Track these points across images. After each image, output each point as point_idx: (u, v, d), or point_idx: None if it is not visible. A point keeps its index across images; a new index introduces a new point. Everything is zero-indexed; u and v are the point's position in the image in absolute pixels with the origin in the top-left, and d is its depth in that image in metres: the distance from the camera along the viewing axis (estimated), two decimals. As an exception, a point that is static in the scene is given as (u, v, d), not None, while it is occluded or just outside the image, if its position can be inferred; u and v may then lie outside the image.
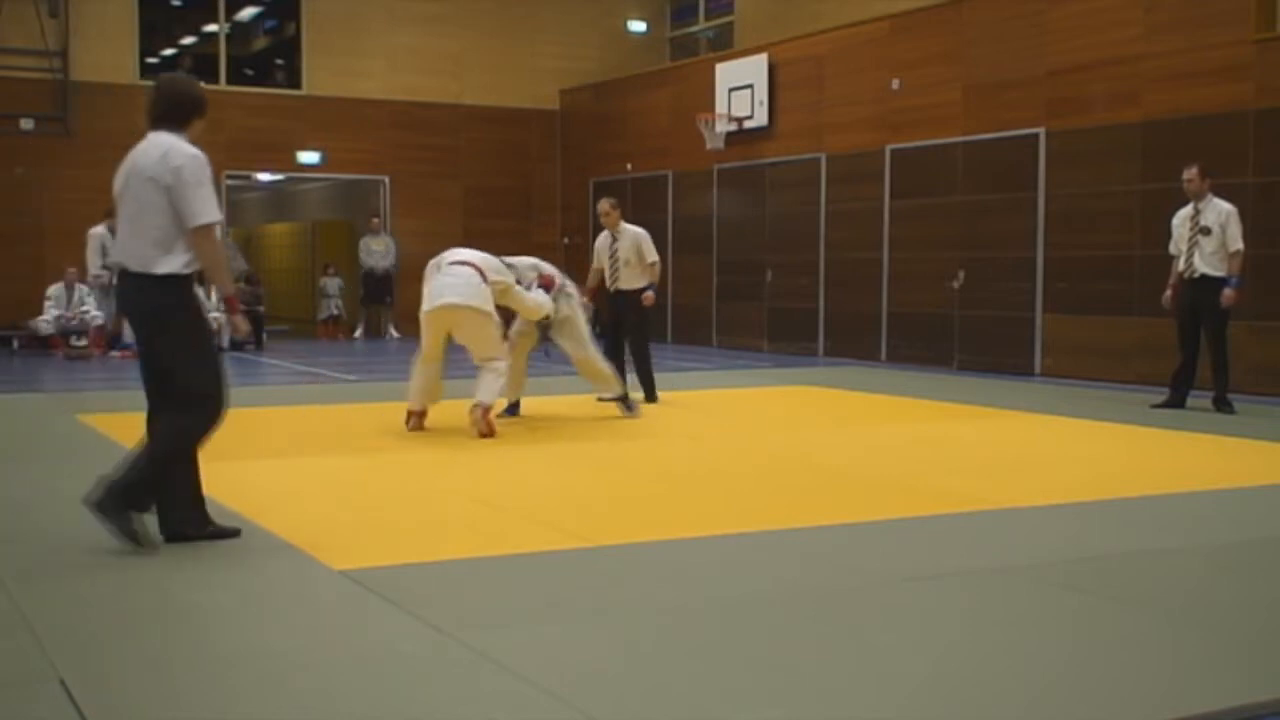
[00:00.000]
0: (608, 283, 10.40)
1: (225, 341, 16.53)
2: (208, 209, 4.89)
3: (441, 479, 6.73)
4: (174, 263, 4.89)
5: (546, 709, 3.24)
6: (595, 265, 10.60)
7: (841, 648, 3.81)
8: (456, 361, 8.80)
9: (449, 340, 8.57)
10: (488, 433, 8.16)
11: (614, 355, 10.17)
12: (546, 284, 9.16)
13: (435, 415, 8.55)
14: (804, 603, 4.30)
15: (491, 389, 8.33)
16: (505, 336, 8.90)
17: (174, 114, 5.04)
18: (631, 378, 10.23)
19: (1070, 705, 3.33)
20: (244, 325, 5.67)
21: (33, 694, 3.35)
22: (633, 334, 10.42)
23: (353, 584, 4.43)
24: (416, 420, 8.51)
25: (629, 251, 10.36)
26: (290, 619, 4.12)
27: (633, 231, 10.46)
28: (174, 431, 4.97)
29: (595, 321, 10.45)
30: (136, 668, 3.56)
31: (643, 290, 10.35)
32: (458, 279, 8.36)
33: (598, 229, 10.96)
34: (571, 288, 9.39)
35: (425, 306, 8.47)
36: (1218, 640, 3.94)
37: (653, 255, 10.43)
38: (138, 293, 4.96)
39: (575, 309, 9.31)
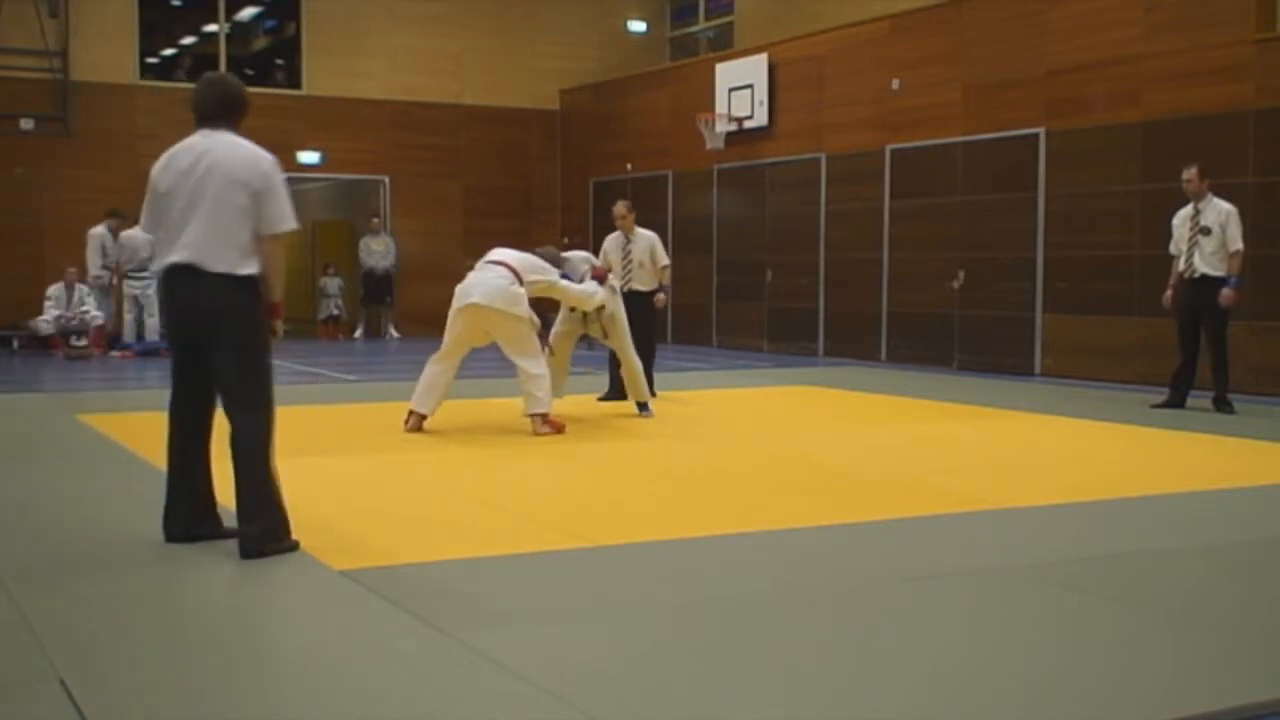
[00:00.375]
0: (619, 283, 10.35)
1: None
2: (289, 216, 4.93)
3: (441, 479, 6.73)
4: (253, 265, 4.88)
5: (546, 709, 3.24)
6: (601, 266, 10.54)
7: (841, 648, 3.81)
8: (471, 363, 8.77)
9: (472, 345, 8.55)
10: (558, 431, 8.32)
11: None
12: (599, 276, 9.28)
13: (438, 414, 8.53)
14: (804, 603, 4.30)
15: (540, 399, 8.32)
16: (546, 341, 8.91)
17: (229, 112, 4.99)
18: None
19: (1070, 705, 3.33)
20: (281, 330, 5.42)
21: (33, 694, 3.35)
22: (642, 334, 10.38)
23: (353, 584, 4.42)
24: (415, 421, 8.43)
25: (643, 254, 10.53)
26: (290, 619, 4.12)
27: (647, 235, 10.65)
28: (256, 434, 4.91)
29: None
30: (136, 668, 3.56)
31: (654, 292, 10.54)
32: (488, 278, 8.36)
33: (598, 229, 11.18)
34: (615, 283, 9.55)
35: (455, 303, 8.47)
36: (1218, 640, 3.94)
37: (665, 259, 10.68)
38: (213, 292, 4.83)
39: (620, 307, 9.43)
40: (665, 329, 17.82)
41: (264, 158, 4.91)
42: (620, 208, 10.76)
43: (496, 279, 8.31)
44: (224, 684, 3.48)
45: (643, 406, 9.53)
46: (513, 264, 8.44)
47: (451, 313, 8.45)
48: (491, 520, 5.68)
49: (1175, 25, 11.91)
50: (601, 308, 9.14)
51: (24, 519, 5.60)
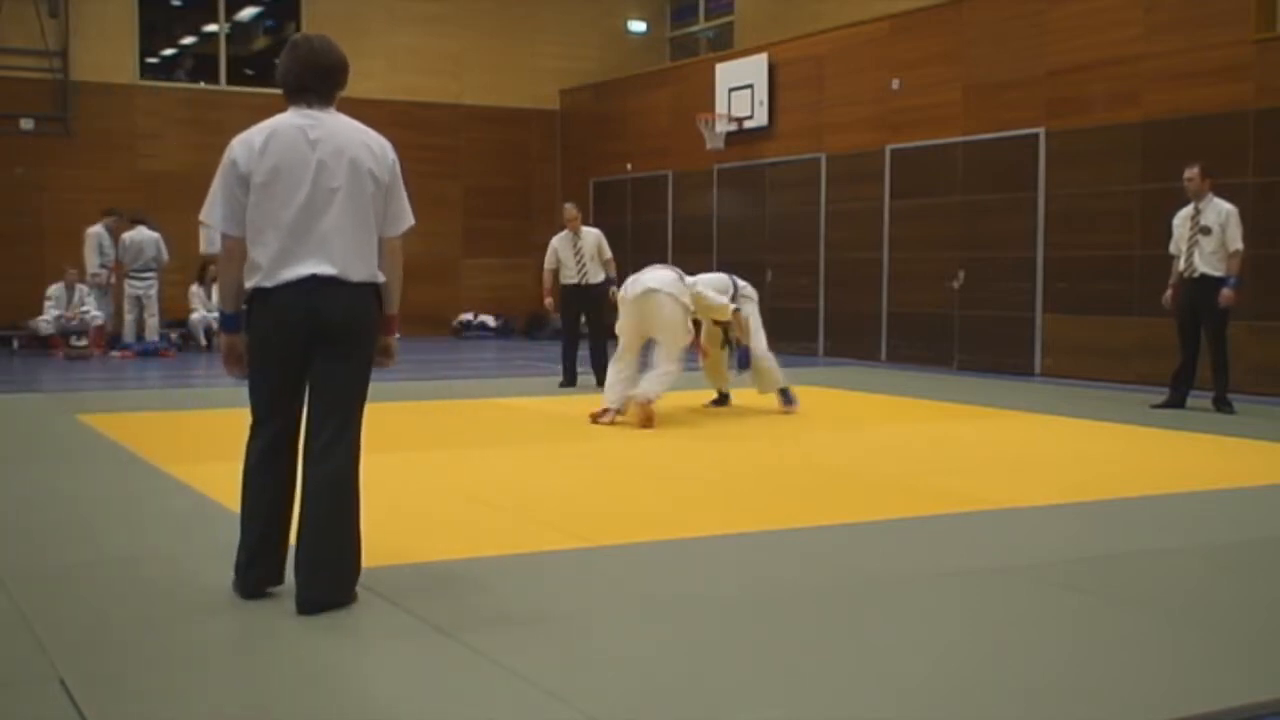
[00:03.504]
0: (576, 278, 11.52)
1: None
2: (411, 213, 4.33)
3: (441, 479, 6.73)
4: (379, 271, 4.21)
5: (546, 709, 3.24)
6: (549, 266, 11.63)
7: (841, 648, 3.81)
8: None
9: (645, 336, 9.00)
10: (647, 424, 8.62)
11: (575, 345, 11.61)
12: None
13: (428, 416, 8.54)
14: (804, 603, 4.29)
15: (655, 385, 8.81)
16: (699, 344, 9.48)
17: (335, 84, 4.21)
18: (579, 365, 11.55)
19: (1070, 705, 3.33)
20: (396, 350, 4.45)
21: (33, 694, 3.35)
22: (598, 323, 11.62)
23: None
24: (612, 415, 8.81)
25: (592, 249, 11.60)
26: (289, 619, 4.11)
27: (593, 232, 11.79)
28: (356, 465, 4.15)
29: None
30: (136, 668, 3.56)
31: (607, 284, 11.48)
32: (658, 272, 9.01)
33: (599, 229, 12.05)
34: (750, 290, 10.05)
35: (625, 297, 9.03)
36: (1218, 640, 3.94)
37: (609, 252, 11.75)
38: (355, 306, 4.09)
39: (754, 310, 9.88)
40: (665, 329, 17.83)
41: (388, 144, 4.27)
42: (571, 209, 11.77)
43: (667, 272, 9.01)
44: (223, 684, 3.48)
45: (785, 394, 9.89)
46: (677, 270, 9.18)
47: (622, 308, 9.04)
48: (492, 520, 5.68)
49: (1175, 25, 11.91)
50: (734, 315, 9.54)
51: (24, 519, 5.60)
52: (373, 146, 4.18)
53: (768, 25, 17.88)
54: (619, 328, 9.05)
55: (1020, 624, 4.08)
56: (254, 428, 4.17)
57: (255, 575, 4.18)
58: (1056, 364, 12.98)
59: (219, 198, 4.08)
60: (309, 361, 4.08)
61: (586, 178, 20.10)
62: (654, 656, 3.71)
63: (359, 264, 4.10)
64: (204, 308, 16.54)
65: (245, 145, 4.07)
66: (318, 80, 4.14)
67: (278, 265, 4.01)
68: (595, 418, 8.87)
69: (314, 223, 4.03)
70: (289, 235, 4.02)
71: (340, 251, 4.05)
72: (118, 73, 18.03)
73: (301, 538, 4.09)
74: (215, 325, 16.36)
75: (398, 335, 4.42)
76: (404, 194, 4.28)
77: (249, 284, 4.06)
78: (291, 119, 4.10)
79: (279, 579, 4.19)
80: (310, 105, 4.13)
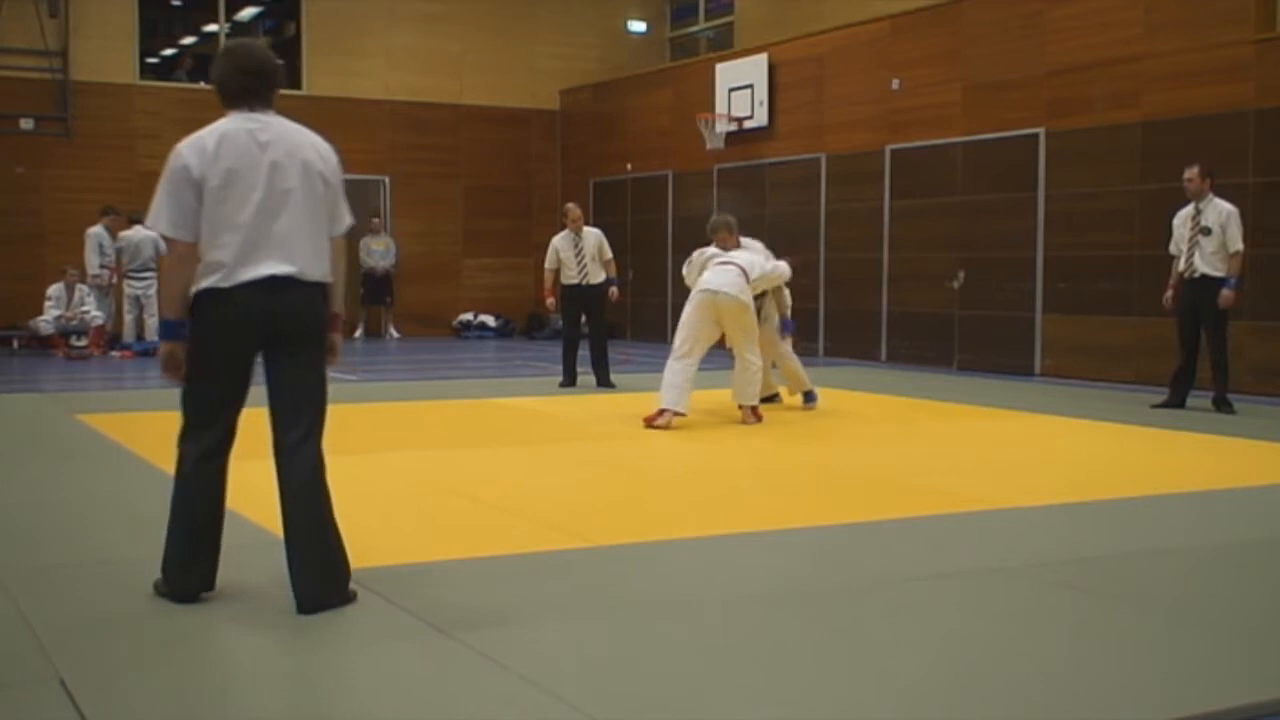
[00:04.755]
0: (577, 279, 11.51)
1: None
2: (349, 212, 4.40)
3: (441, 479, 6.73)
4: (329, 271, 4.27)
5: (546, 709, 3.24)
6: (550, 266, 11.61)
7: (841, 647, 3.81)
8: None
9: (709, 339, 9.05)
10: (758, 420, 8.97)
11: (575, 345, 11.60)
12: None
13: (428, 416, 8.54)
14: (804, 602, 4.30)
15: (750, 393, 9.03)
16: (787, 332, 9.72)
17: (272, 88, 4.19)
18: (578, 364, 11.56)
19: (1070, 705, 3.33)
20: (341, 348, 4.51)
21: (33, 694, 3.35)
22: (599, 323, 11.73)
23: (353, 584, 4.42)
24: (668, 419, 8.64)
25: (593, 249, 11.57)
26: (290, 619, 4.11)
27: (594, 232, 11.75)
28: (323, 461, 4.27)
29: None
30: (136, 668, 3.56)
31: (608, 285, 11.63)
32: (723, 274, 8.99)
33: (599, 229, 12.07)
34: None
35: (696, 293, 9.04)
36: (1218, 640, 3.94)
37: (610, 253, 11.75)
38: (311, 305, 4.17)
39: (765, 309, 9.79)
40: (666, 329, 17.82)
41: (331, 147, 4.32)
42: (574, 209, 11.76)
43: (733, 276, 8.97)
44: (223, 684, 3.48)
45: (809, 396, 10.02)
46: (742, 265, 9.08)
47: (688, 307, 9.03)
48: (492, 520, 5.68)
49: (1175, 25, 11.90)
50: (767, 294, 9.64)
51: (24, 519, 5.60)
52: (319, 148, 4.25)
53: (768, 25, 17.87)
54: (685, 324, 8.95)
55: (1020, 624, 4.08)
56: (191, 431, 4.16)
57: (195, 577, 4.18)
58: (1056, 364, 12.98)
59: (165, 203, 4.07)
60: (254, 362, 4.13)
61: (586, 178, 20.09)
62: (654, 656, 3.71)
63: (315, 264, 4.17)
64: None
65: (196, 150, 4.06)
66: (258, 83, 4.16)
67: (237, 266, 4.03)
68: (651, 421, 8.64)
69: (271, 223, 4.06)
70: (247, 236, 4.04)
71: (299, 251, 4.11)
72: (117, 73, 18.03)
73: (292, 540, 4.12)
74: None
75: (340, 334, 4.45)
76: (344, 195, 4.35)
77: (203, 285, 4.06)
78: (239, 123, 4.12)
79: (213, 584, 4.22)
80: (253, 109, 4.15)
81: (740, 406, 9.04)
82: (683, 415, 8.69)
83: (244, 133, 4.09)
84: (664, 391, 8.73)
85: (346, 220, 4.38)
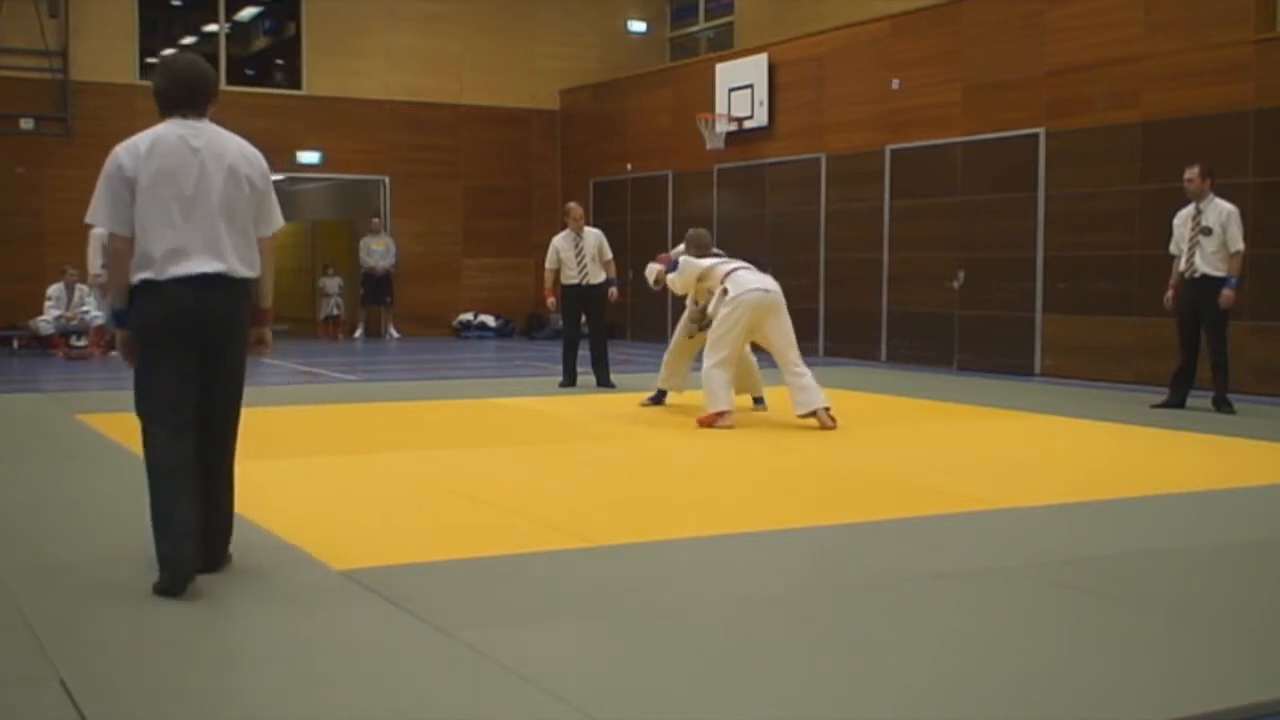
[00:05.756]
0: (577, 279, 11.49)
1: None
2: (280, 215, 4.66)
3: (441, 479, 6.73)
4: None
5: (546, 709, 3.24)
6: (551, 265, 11.59)
7: (841, 648, 3.81)
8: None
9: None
10: (831, 426, 8.65)
11: (576, 345, 11.59)
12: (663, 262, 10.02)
13: (428, 416, 8.54)
14: (804, 602, 4.30)
15: (816, 389, 8.76)
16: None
17: (208, 98, 4.52)
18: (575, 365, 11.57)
19: (1070, 705, 3.33)
20: (271, 340, 4.82)
21: (33, 694, 3.35)
22: (599, 323, 11.74)
23: (353, 584, 4.42)
24: (731, 418, 8.72)
25: (594, 250, 11.56)
26: (290, 619, 4.12)
27: (595, 232, 11.74)
28: (233, 453, 4.61)
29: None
30: (136, 668, 3.56)
31: (608, 285, 11.62)
32: (762, 276, 9.04)
33: (599, 229, 12.04)
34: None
35: (745, 294, 8.83)
36: (1218, 640, 3.94)
37: (610, 253, 11.73)
38: (239, 302, 4.46)
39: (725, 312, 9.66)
40: (666, 329, 17.82)
41: (259, 154, 4.60)
42: (576, 209, 11.75)
43: (768, 277, 9.03)
44: (223, 684, 3.48)
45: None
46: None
47: (745, 304, 8.80)
48: (492, 520, 5.68)
49: (1175, 25, 11.90)
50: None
51: (24, 519, 5.60)
52: (247, 154, 4.54)
53: (768, 25, 17.88)
54: (731, 331, 8.79)
55: (1020, 623, 4.08)
56: (154, 419, 4.35)
57: (191, 568, 4.26)
58: (1056, 364, 12.98)
59: (102, 200, 4.38)
60: (197, 355, 4.38)
61: (586, 178, 20.09)
62: (654, 656, 3.71)
63: (241, 262, 4.44)
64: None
65: (130, 151, 4.38)
66: (191, 93, 4.48)
67: (167, 261, 4.32)
68: (710, 422, 8.65)
69: (200, 223, 4.36)
70: (177, 233, 4.33)
71: (225, 249, 4.39)
72: (117, 73, 18.03)
73: (216, 514, 4.49)
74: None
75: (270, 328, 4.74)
76: (274, 198, 4.62)
77: (138, 277, 4.35)
78: (173, 128, 4.43)
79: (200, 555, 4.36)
80: (186, 116, 4.47)
81: (814, 414, 8.69)
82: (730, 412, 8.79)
83: (176, 137, 4.41)
84: (718, 394, 8.73)
85: (277, 221, 4.63)
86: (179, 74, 4.52)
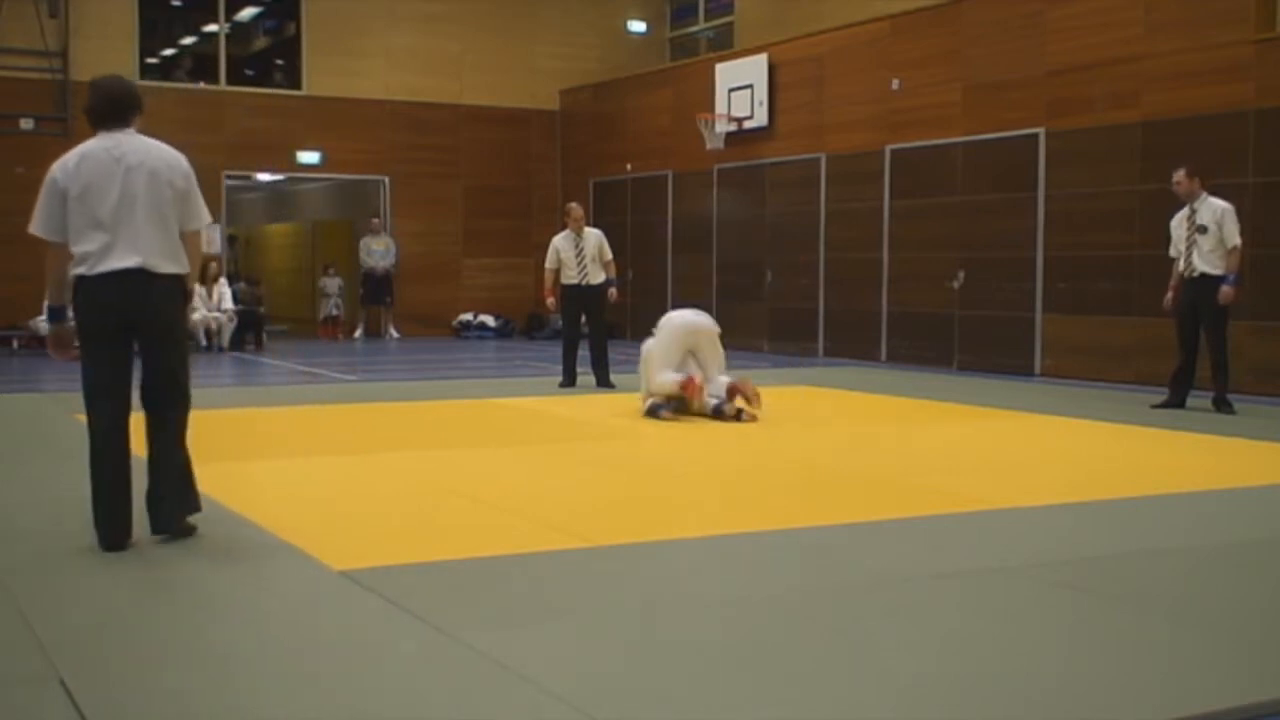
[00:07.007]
0: (577, 279, 11.52)
1: (225, 341, 16.57)
2: (206, 211, 5.17)
3: (441, 479, 6.73)
4: (184, 263, 5.04)
5: (547, 709, 3.24)
6: (550, 265, 11.63)
7: (841, 647, 3.81)
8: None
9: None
10: (738, 420, 9.09)
11: (575, 345, 11.62)
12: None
13: (428, 416, 8.53)
14: (804, 602, 4.29)
15: (726, 395, 9.21)
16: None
17: (131, 113, 5.08)
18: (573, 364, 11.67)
19: (1070, 705, 3.33)
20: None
21: (33, 694, 3.35)
22: (599, 323, 11.80)
23: (353, 584, 4.43)
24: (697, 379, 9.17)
25: (594, 250, 11.57)
26: (290, 619, 4.12)
27: (595, 233, 11.76)
28: (185, 423, 5.11)
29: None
30: (136, 668, 3.56)
31: (607, 285, 11.66)
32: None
33: (599, 229, 12.04)
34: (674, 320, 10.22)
35: (673, 317, 9.75)
36: (1218, 640, 3.94)
37: (610, 254, 11.77)
38: (164, 295, 4.96)
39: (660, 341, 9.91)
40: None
41: (178, 155, 5.07)
42: (577, 209, 11.77)
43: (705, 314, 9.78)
44: (224, 684, 3.48)
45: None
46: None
47: (666, 330, 9.52)
48: (491, 520, 5.68)
49: (1175, 25, 11.91)
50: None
51: (23, 518, 5.60)
52: (168, 159, 5.03)
53: (768, 25, 17.87)
54: (665, 348, 9.37)
55: (1020, 623, 4.08)
56: (94, 403, 4.93)
57: (118, 529, 4.89)
58: (1056, 364, 12.98)
59: (42, 211, 4.99)
60: (130, 343, 4.93)
61: (586, 178, 20.10)
62: (654, 656, 3.71)
63: (164, 258, 4.93)
64: (205, 307, 16.53)
65: (62, 167, 4.97)
66: (116, 109, 5.03)
67: (98, 259, 4.86)
68: (689, 387, 9.11)
69: (125, 224, 4.88)
70: (106, 234, 4.87)
71: (148, 247, 4.89)
72: (118, 72, 18.00)
73: (157, 483, 5.00)
74: (215, 325, 16.40)
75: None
76: (199, 196, 5.10)
77: (75, 273, 4.90)
78: (99, 143, 4.99)
79: (131, 532, 4.93)
80: (111, 130, 5.01)
81: (720, 409, 9.13)
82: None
83: (103, 150, 4.96)
84: (670, 380, 9.18)
85: (204, 218, 5.13)
86: (107, 92, 5.07)
